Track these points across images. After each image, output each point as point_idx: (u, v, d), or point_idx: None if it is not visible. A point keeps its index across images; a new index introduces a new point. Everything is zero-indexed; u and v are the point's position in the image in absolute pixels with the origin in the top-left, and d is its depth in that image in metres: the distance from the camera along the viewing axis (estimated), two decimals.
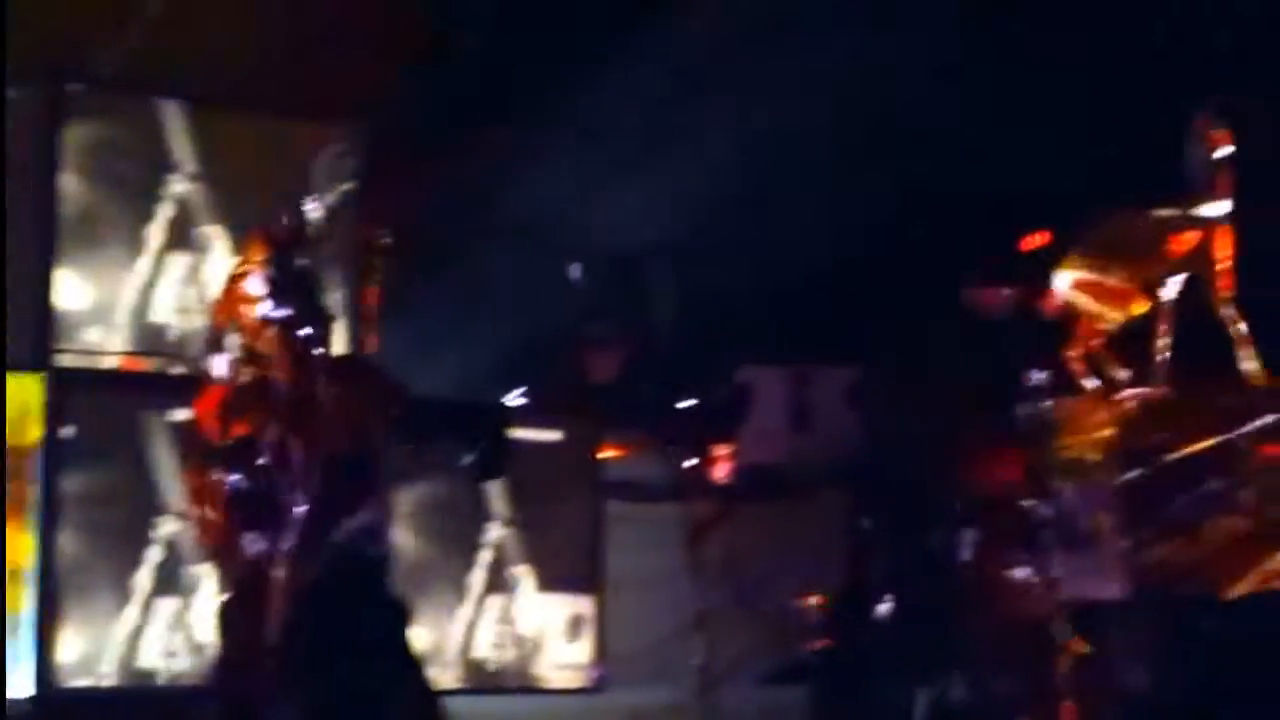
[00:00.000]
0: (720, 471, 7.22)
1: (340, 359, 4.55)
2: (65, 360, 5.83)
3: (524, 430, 6.43)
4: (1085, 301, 5.17)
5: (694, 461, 6.95)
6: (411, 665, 4.36)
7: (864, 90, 7.16)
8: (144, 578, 5.78)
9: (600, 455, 6.82)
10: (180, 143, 6.10)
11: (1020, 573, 4.94)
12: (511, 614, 6.48)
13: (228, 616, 4.22)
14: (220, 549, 4.23)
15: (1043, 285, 5.25)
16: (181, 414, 5.59)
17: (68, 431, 5.67)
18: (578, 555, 6.65)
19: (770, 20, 7.43)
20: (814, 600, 6.12)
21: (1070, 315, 5.33)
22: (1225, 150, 5.30)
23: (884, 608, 5.39)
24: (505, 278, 7.39)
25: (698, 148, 7.44)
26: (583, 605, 6.60)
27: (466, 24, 7.38)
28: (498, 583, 6.47)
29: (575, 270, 6.68)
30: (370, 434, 4.32)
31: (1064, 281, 5.17)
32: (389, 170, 6.44)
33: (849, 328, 7.40)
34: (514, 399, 7.05)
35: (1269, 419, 5.03)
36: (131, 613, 5.75)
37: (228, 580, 4.24)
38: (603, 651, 6.59)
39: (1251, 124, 5.44)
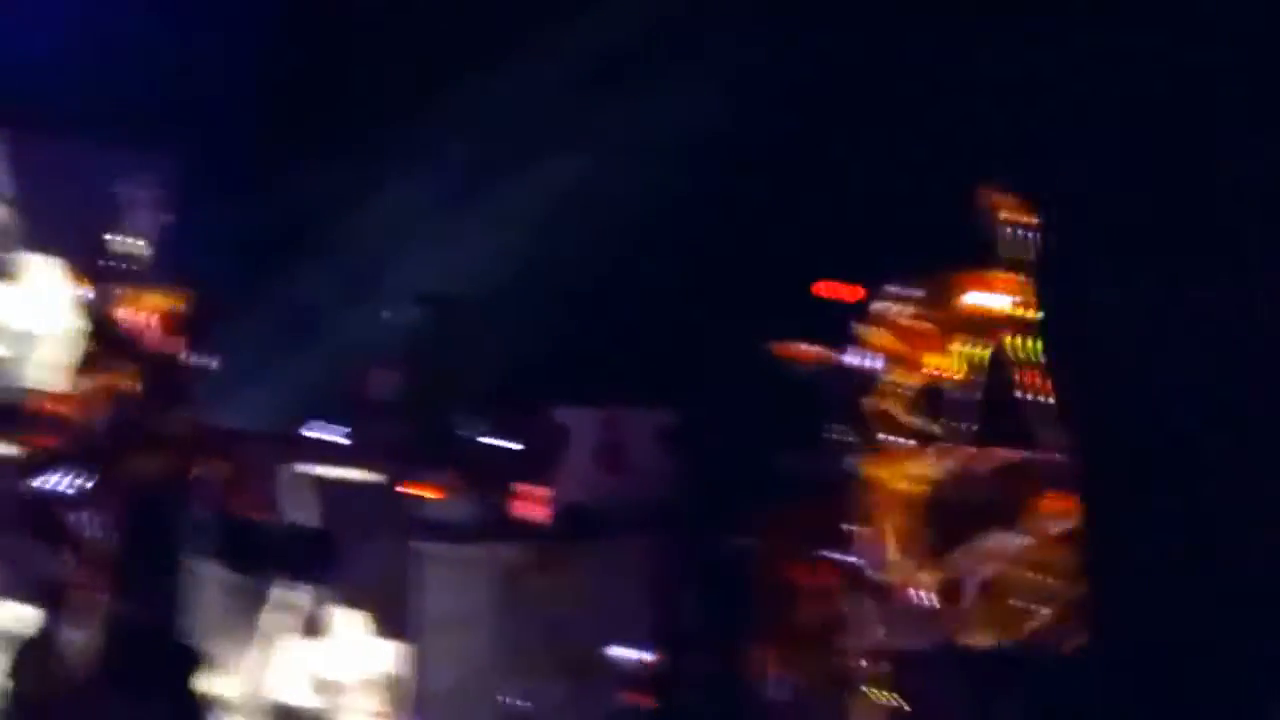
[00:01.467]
0: (533, 512, 7.32)
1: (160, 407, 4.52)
2: None
3: (335, 469, 6.44)
4: (893, 358, 5.46)
5: (507, 502, 7.04)
6: (202, 712, 4.36)
7: (677, 144, 7.42)
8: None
9: (411, 495, 6.85)
10: None
11: (828, 626, 5.16)
12: (318, 659, 6.46)
13: (26, 654, 4.16)
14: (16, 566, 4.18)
15: (852, 340, 5.54)
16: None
17: None
18: (388, 597, 6.66)
19: (585, 76, 7.65)
20: (635, 654, 6.23)
21: (877, 371, 5.63)
22: (1026, 219, 5.69)
23: (703, 663, 5.54)
24: (322, 314, 7.39)
25: (513, 195, 7.60)
26: (393, 648, 6.62)
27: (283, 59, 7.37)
28: (305, 627, 6.43)
29: (389, 312, 6.74)
30: (178, 480, 4.33)
31: (872, 337, 5.47)
32: (206, 201, 6.41)
33: (661, 372, 7.61)
34: (328, 436, 7.04)
35: (1052, 473, 5.42)
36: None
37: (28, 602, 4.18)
38: (413, 695, 6.61)
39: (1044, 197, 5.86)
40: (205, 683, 4.30)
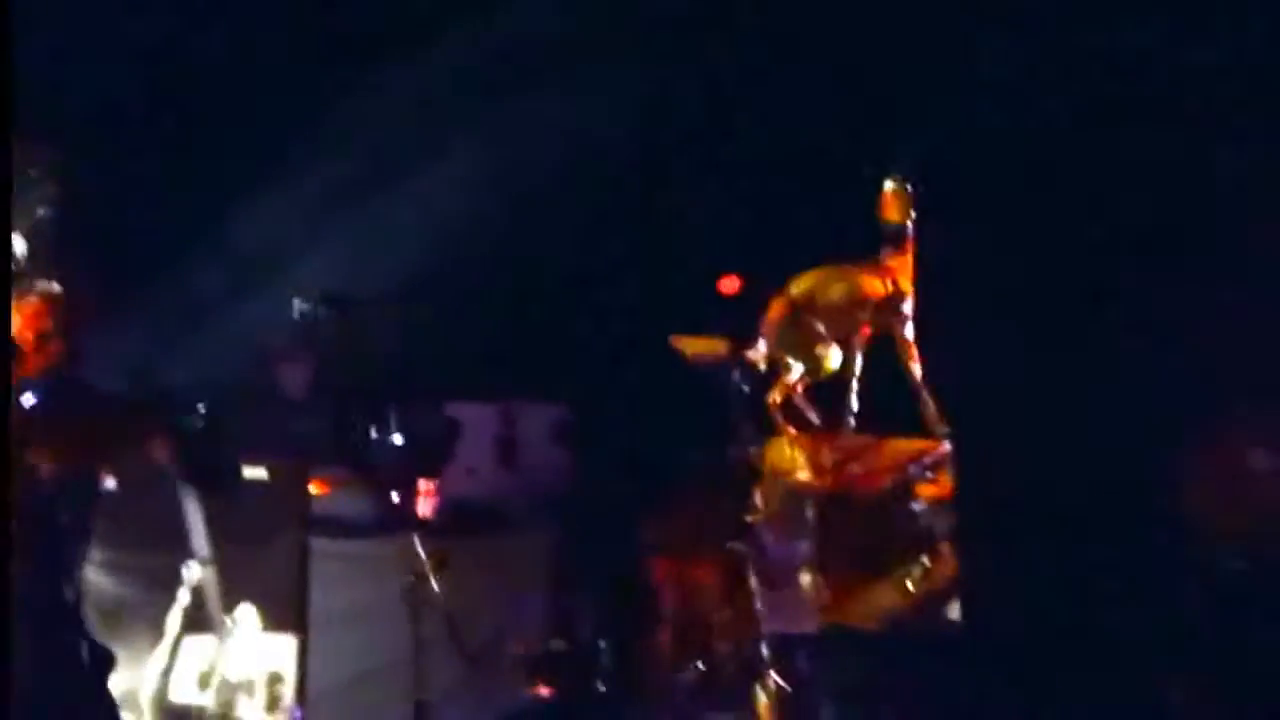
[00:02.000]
0: (427, 507, 7.32)
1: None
2: None
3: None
4: (788, 351, 5.58)
5: (401, 497, 7.02)
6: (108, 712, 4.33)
7: (578, 139, 7.46)
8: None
9: (306, 491, 6.81)
10: None
11: (723, 611, 5.27)
12: (214, 656, 6.40)
13: None
14: None
15: (748, 334, 5.65)
16: None
17: None
18: (282, 593, 6.62)
19: (495, 66, 7.66)
20: (531, 645, 6.26)
21: (773, 364, 5.75)
22: (910, 213, 5.85)
23: (600, 653, 5.60)
24: (219, 305, 7.32)
25: (414, 187, 7.58)
26: (286, 644, 6.58)
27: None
28: (198, 623, 6.37)
29: (301, 304, 6.68)
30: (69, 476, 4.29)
31: (770, 331, 5.57)
32: (92, 193, 6.31)
33: (558, 366, 7.65)
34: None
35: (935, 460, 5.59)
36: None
37: None
38: (305, 692, 6.58)
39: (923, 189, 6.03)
40: (106, 679, 4.26)
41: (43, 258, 5.63)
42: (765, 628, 5.11)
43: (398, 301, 7.38)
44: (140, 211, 7.05)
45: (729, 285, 5.79)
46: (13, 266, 4.20)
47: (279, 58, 7.37)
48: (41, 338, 4.33)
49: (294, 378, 7.27)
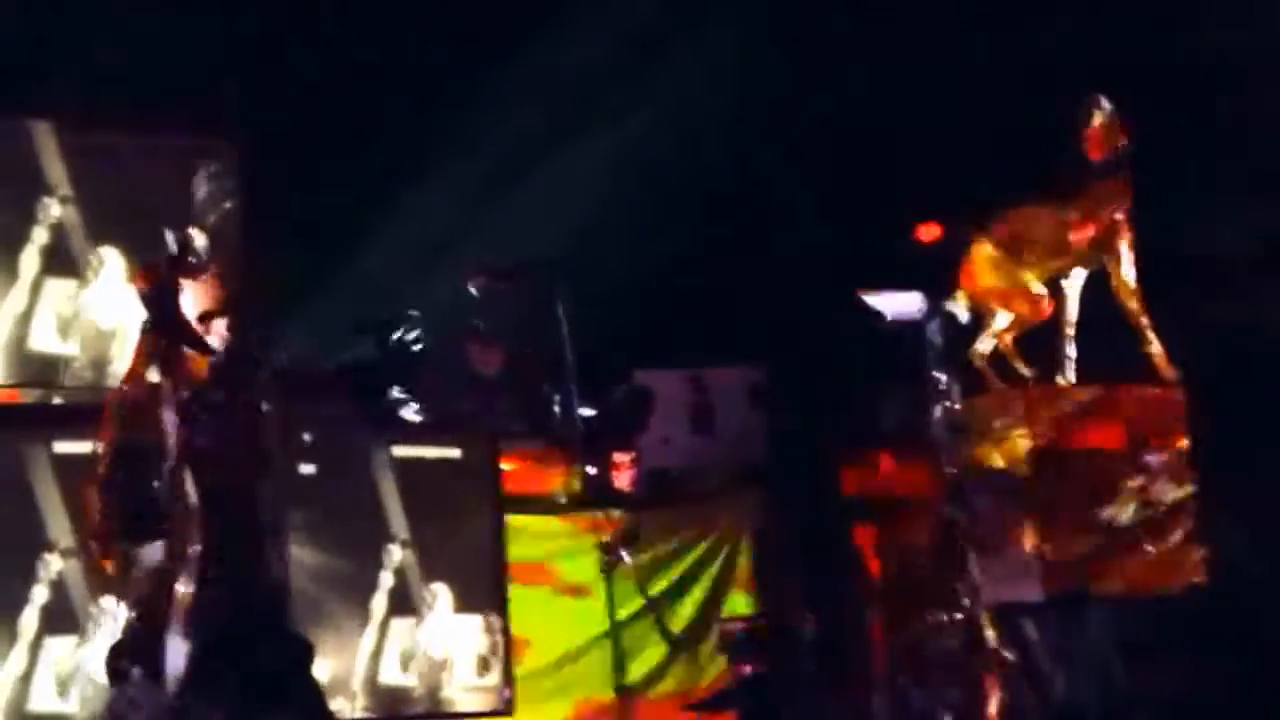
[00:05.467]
0: (622, 479, 7.27)
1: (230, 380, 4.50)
2: None
3: (421, 448, 6.42)
4: (994, 299, 5.32)
5: (595, 470, 6.98)
6: (314, 701, 4.38)
7: (762, 78, 7.28)
8: (31, 617, 5.65)
9: (499, 468, 6.82)
10: (53, 164, 5.97)
11: (939, 578, 5.08)
12: (417, 637, 6.47)
13: (131, 638, 4.21)
14: (116, 566, 4.21)
15: (946, 284, 5.41)
16: (67, 444, 5.57)
17: None
18: (482, 573, 6.65)
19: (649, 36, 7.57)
20: (737, 622, 6.16)
21: (978, 314, 5.50)
22: (1122, 141, 5.51)
23: (808, 627, 5.47)
24: (401, 283, 7.40)
25: (584, 157, 7.54)
26: (489, 624, 6.61)
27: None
28: (401, 605, 6.44)
29: (479, 280, 6.70)
30: (260, 459, 4.34)
31: (971, 279, 5.32)
32: (272, 184, 6.41)
33: (747, 325, 7.52)
34: (409, 413, 7.04)
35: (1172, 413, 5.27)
36: (20, 655, 5.63)
37: (129, 601, 4.21)
38: (510, 672, 6.61)
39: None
40: (310, 666, 4.32)
41: (223, 250, 5.76)
42: (984, 595, 4.90)
43: (577, 271, 7.35)
44: (316, 199, 7.15)
45: (928, 232, 5.55)
46: (194, 258, 4.23)
47: (435, 31, 7.38)
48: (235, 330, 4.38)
49: (485, 357, 7.29)
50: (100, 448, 4.27)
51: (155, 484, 4.11)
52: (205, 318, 4.34)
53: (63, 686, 5.63)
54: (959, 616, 4.91)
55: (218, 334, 4.35)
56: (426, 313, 7.00)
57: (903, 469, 5.55)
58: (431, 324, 7.10)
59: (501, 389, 7.30)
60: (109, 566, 4.29)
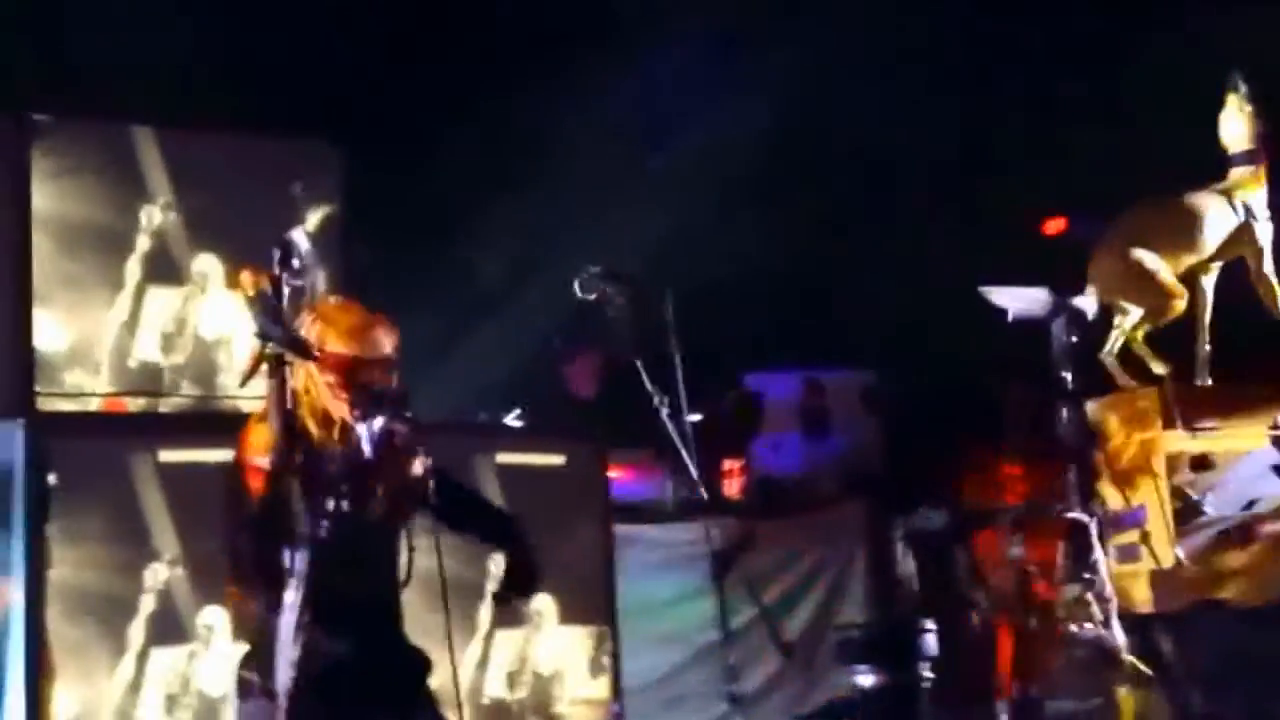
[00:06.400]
0: (732, 485, 7.15)
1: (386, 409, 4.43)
2: (46, 404, 5.75)
3: (525, 454, 6.34)
4: (1124, 294, 5.10)
5: (706, 477, 6.87)
6: (434, 715, 4.33)
7: (878, 74, 7.13)
8: (138, 628, 5.66)
9: (606, 475, 6.72)
10: (154, 170, 5.99)
11: (1071, 587, 4.89)
12: (523, 650, 6.39)
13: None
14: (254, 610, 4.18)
15: (1077, 279, 5.21)
16: (172, 453, 5.58)
17: (52, 478, 5.56)
18: (589, 584, 6.56)
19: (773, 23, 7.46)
20: (853, 631, 6.02)
21: (1106, 311, 5.28)
22: (1260, 129, 5.26)
23: (929, 634, 5.30)
24: (497, 297, 7.37)
25: (689, 163, 7.46)
26: (597, 636, 6.51)
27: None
28: (507, 617, 6.37)
29: (583, 284, 6.63)
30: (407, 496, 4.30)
31: (1100, 273, 5.11)
32: (371, 188, 6.40)
33: (859, 326, 7.38)
34: (511, 420, 6.97)
35: None
36: (127, 666, 5.65)
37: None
38: (619, 686, 6.50)
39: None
40: (427, 680, 4.29)
41: (326, 257, 5.74)
42: (1119, 604, 4.69)
43: (687, 274, 7.24)
44: (419, 204, 7.15)
45: (1054, 225, 5.34)
46: (296, 264, 4.17)
47: (534, 36, 7.35)
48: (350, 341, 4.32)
49: (581, 375, 7.22)
50: (246, 492, 4.23)
51: (298, 530, 4.07)
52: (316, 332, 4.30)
53: (170, 699, 5.63)
54: (1089, 626, 4.71)
55: (335, 346, 4.30)
56: (532, 321, 6.97)
57: (1028, 473, 5.35)
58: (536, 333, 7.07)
59: (602, 400, 7.23)
60: (250, 609, 4.25)
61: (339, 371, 4.26)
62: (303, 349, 4.16)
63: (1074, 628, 4.82)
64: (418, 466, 4.35)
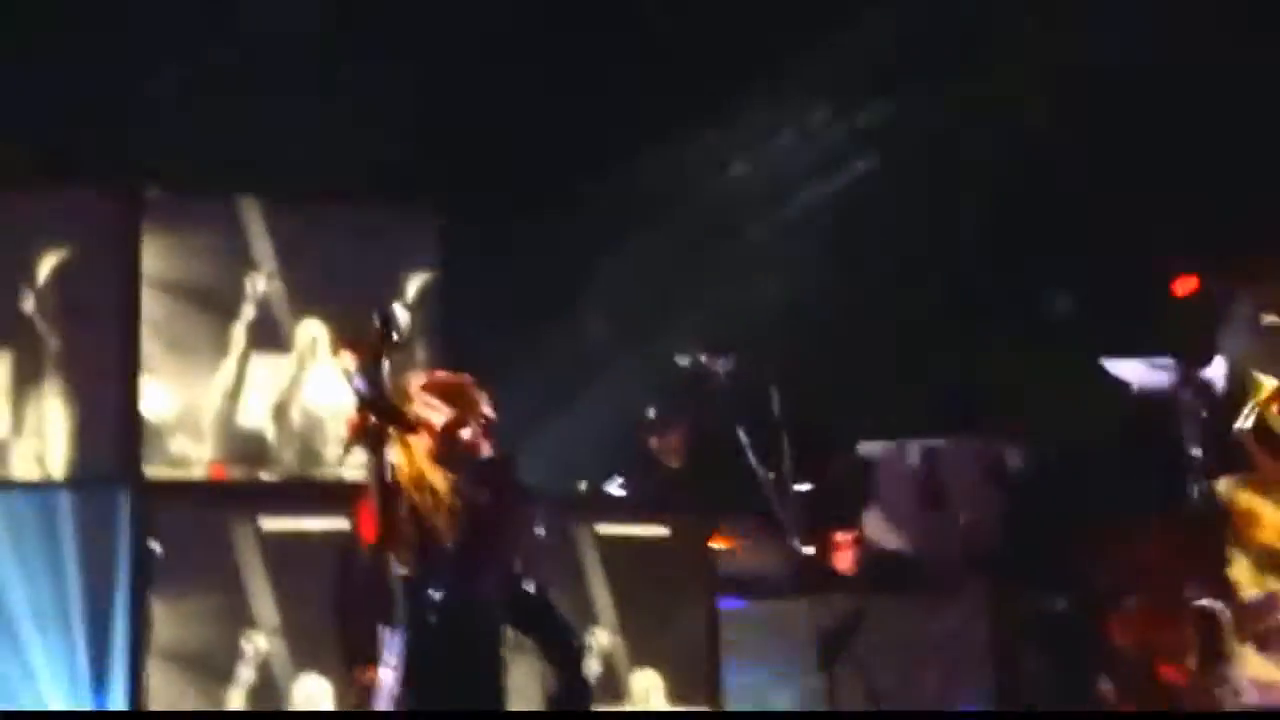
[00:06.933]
0: (843, 560, 6.97)
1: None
2: (152, 471, 5.82)
3: (628, 525, 6.25)
4: (1258, 363, 4.85)
5: (815, 550, 6.71)
6: None
7: (995, 131, 6.99)
8: (237, 697, 5.67)
9: (712, 548, 6.59)
10: (259, 240, 6.08)
11: (1196, 675, 4.63)
12: None
13: None
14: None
15: (1208, 347, 4.98)
16: (274, 521, 5.60)
17: (156, 545, 5.62)
18: (693, 662, 6.41)
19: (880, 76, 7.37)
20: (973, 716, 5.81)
21: (1239, 381, 5.04)
22: None
23: None
24: (599, 366, 7.34)
25: (789, 227, 7.39)
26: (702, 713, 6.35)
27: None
28: (609, 691, 6.24)
29: (686, 355, 6.56)
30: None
31: (1229, 342, 4.89)
32: (471, 257, 6.43)
33: (978, 394, 7.18)
34: (613, 488, 6.91)
35: None
36: None
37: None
38: None
39: None
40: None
41: (426, 329, 5.77)
42: (1250, 700, 4.43)
43: (788, 341, 7.13)
44: (509, 270, 7.17)
45: (1184, 285, 5.10)
46: (397, 333, 4.17)
47: (628, 106, 7.35)
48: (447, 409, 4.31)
49: (668, 447, 7.16)
50: (349, 568, 4.23)
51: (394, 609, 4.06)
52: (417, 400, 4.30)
53: None
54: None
55: (431, 414, 4.30)
56: (633, 392, 6.93)
57: (1159, 554, 5.10)
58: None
59: (707, 466, 7.12)
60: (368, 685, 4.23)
61: (436, 439, 4.25)
62: (401, 419, 4.15)
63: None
64: (524, 539, 4.34)
